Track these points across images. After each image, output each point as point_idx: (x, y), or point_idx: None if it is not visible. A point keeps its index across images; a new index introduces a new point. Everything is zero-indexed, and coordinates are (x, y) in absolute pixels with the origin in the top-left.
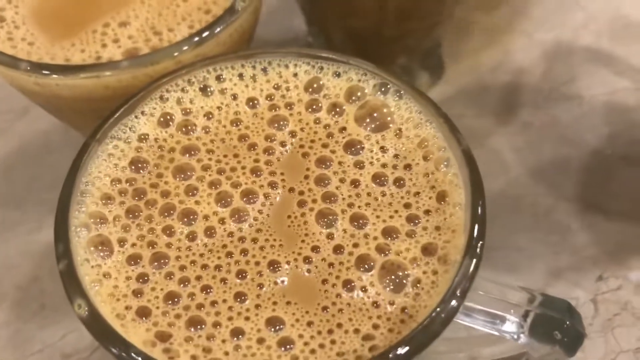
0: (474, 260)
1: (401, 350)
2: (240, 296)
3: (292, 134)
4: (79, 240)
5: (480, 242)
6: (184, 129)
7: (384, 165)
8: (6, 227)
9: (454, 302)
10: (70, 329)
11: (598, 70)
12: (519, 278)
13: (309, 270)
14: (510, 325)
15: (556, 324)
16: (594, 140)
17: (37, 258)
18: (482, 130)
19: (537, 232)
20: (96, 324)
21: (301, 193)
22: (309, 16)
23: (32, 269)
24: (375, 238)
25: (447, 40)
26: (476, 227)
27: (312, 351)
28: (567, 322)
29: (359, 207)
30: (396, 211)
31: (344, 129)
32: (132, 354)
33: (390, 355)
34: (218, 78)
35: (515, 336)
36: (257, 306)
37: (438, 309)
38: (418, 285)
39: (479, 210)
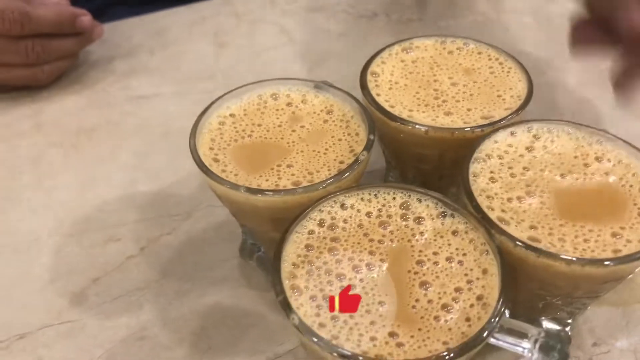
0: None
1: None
2: None
3: (391, 232)
4: (286, 285)
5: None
6: (331, 228)
7: (451, 253)
8: (180, 294)
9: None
10: None
11: None
12: None
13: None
14: (527, 345)
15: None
16: None
17: (204, 315)
18: None
19: None
20: (302, 327)
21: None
22: (390, 162)
23: (200, 322)
24: (451, 293)
25: None
26: (501, 289)
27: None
28: (559, 346)
29: (441, 277)
30: (462, 278)
31: (422, 233)
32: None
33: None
34: (347, 202)
35: (530, 354)
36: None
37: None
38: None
39: (505, 278)
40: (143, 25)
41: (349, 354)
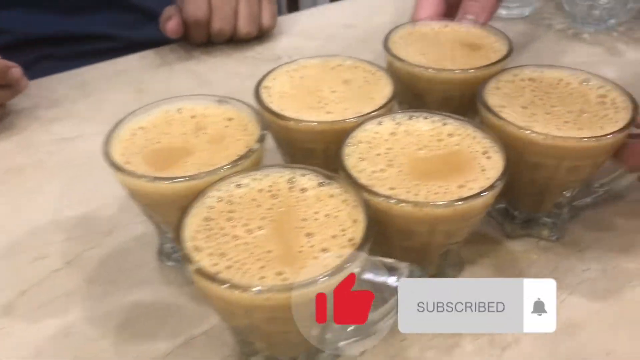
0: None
1: None
2: None
3: (280, 201)
4: (188, 245)
5: (367, 236)
6: (228, 203)
7: (329, 211)
8: (105, 296)
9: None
10: None
11: None
12: None
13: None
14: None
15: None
16: None
17: (127, 310)
18: None
19: None
20: (200, 271)
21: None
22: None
23: (124, 316)
24: (328, 239)
25: None
26: (366, 230)
27: None
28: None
29: (321, 228)
30: (337, 227)
31: (305, 199)
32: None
33: None
34: (242, 182)
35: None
36: None
37: (351, 256)
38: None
39: (370, 223)
40: (66, 79)
41: (237, 283)
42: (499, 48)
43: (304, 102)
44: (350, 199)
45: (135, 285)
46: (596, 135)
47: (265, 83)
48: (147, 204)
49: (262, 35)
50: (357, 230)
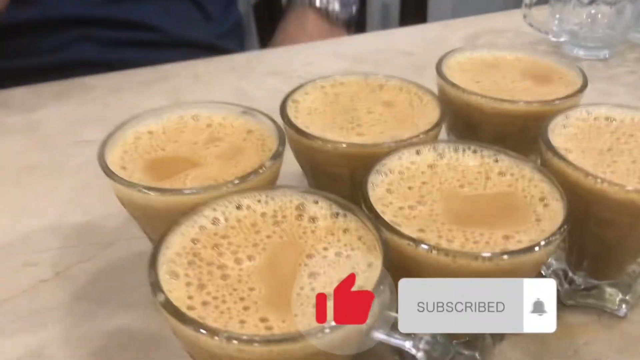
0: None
1: None
2: None
3: (283, 230)
4: (163, 269)
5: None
6: (223, 225)
7: (340, 248)
8: (89, 315)
9: None
10: None
11: None
12: None
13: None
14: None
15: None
16: None
17: (109, 335)
18: None
19: None
20: (168, 306)
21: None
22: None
23: (104, 342)
24: (334, 283)
25: None
26: (380, 277)
27: None
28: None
29: (329, 269)
30: (348, 270)
31: (314, 231)
32: None
33: None
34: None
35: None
36: None
37: None
38: None
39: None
40: (101, 81)
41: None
42: (570, 82)
43: (334, 121)
44: (368, 236)
45: (123, 308)
46: None
47: (295, 97)
48: (138, 217)
49: None
50: (371, 277)
